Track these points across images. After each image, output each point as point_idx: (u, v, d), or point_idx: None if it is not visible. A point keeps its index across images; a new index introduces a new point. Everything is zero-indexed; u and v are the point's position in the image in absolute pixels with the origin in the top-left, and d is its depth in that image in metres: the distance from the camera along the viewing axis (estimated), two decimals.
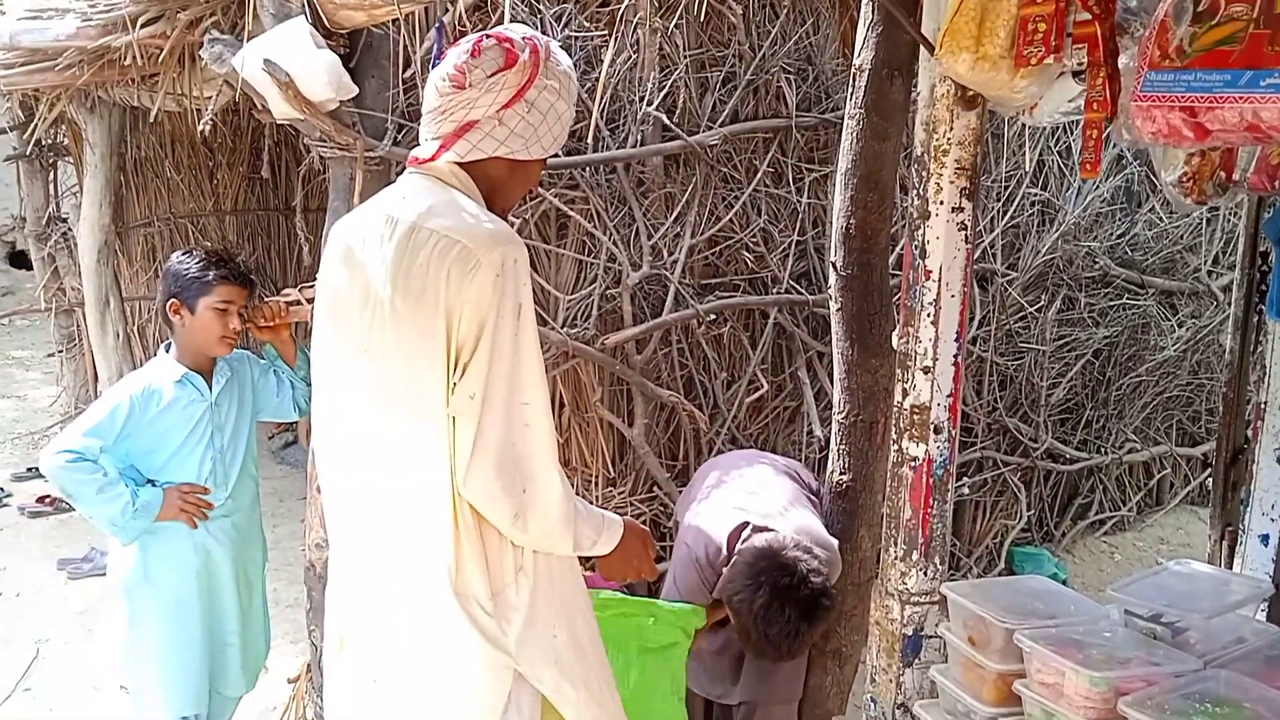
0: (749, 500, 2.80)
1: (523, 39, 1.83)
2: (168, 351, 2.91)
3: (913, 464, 1.89)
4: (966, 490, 4.75)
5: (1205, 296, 5.67)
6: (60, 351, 6.81)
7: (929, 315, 1.85)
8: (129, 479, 2.76)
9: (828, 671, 3.04)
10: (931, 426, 1.87)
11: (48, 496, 5.71)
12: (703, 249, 3.89)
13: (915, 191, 1.87)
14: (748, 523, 2.69)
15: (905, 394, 1.91)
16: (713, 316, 3.86)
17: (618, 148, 3.63)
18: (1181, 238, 5.42)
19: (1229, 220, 5.51)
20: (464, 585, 1.88)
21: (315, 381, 2.03)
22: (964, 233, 1.84)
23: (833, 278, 2.86)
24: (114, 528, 2.76)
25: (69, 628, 4.43)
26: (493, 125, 1.82)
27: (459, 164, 1.85)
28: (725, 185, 3.92)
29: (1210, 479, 5.84)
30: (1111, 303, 5.25)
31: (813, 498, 2.91)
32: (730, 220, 3.88)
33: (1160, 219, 5.30)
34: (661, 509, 3.89)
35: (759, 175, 3.92)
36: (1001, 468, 4.89)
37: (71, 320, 6.60)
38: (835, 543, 2.71)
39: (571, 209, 3.58)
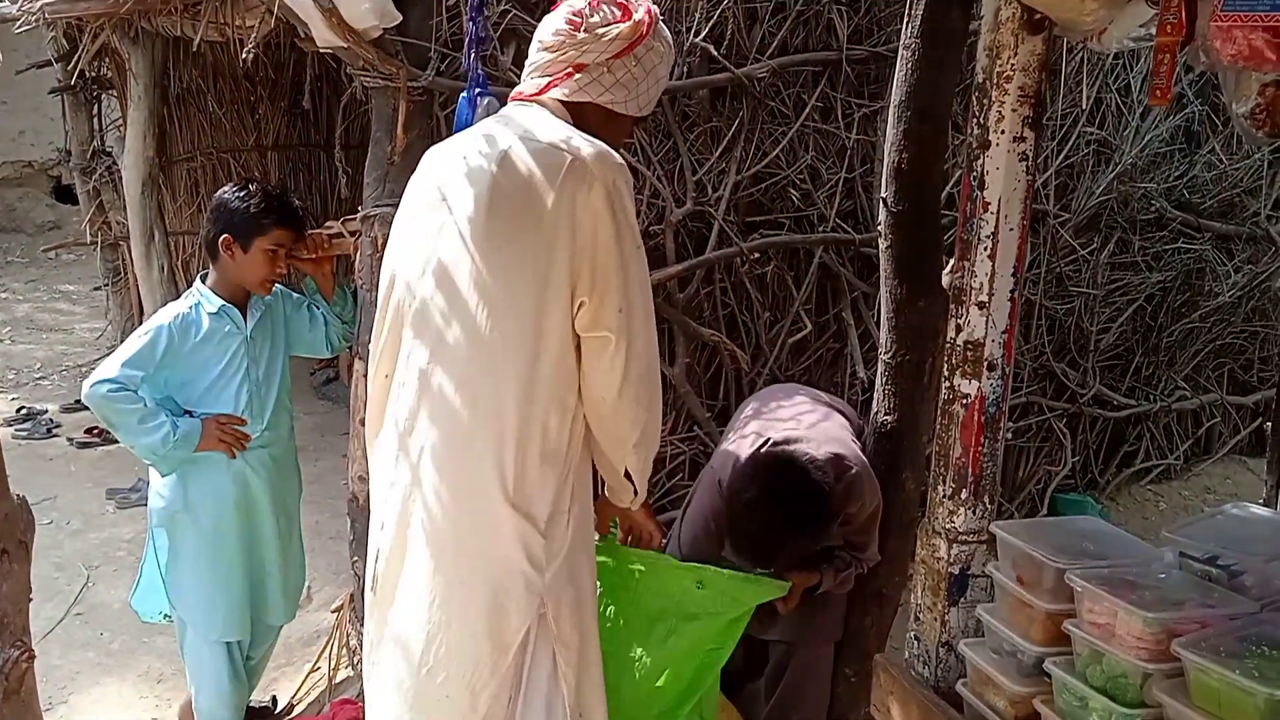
0: (776, 423, 2.79)
1: (635, 1, 1.95)
2: (204, 282, 2.91)
3: (964, 401, 1.85)
4: (1010, 435, 4.69)
5: (1263, 242, 5.49)
6: (106, 285, 6.90)
7: (986, 249, 1.79)
8: (167, 410, 2.78)
9: (868, 613, 3.02)
10: (985, 363, 1.82)
11: (95, 428, 5.80)
12: (748, 185, 3.82)
13: (975, 120, 1.80)
14: (769, 439, 2.68)
15: (959, 330, 1.87)
16: (757, 255, 3.81)
17: None
18: (1241, 180, 5.24)
19: None
20: (523, 501, 1.89)
21: (384, 304, 2.05)
22: (1025, 164, 1.78)
23: (883, 214, 2.80)
24: (154, 457, 2.79)
25: (118, 555, 4.54)
26: (601, 71, 1.91)
27: (562, 102, 1.94)
28: (772, 120, 3.83)
29: (1261, 428, 5.78)
30: (1166, 246, 5.10)
31: (851, 427, 2.86)
32: (777, 156, 3.80)
33: (1220, 160, 5.14)
34: (701, 449, 3.87)
35: (807, 110, 3.83)
36: (1047, 413, 4.82)
37: (117, 254, 6.66)
38: (864, 459, 2.68)
39: None
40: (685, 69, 3.56)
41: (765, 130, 3.81)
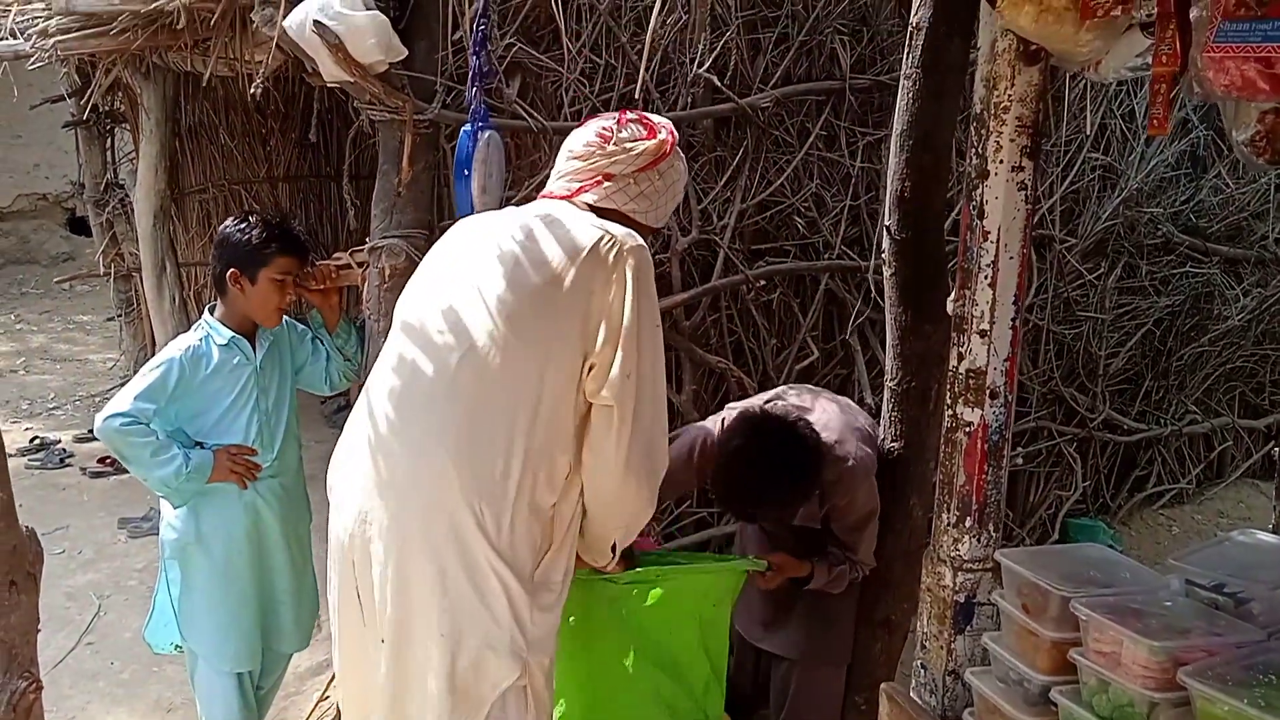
0: (795, 396, 2.84)
1: (657, 122, 2.15)
2: (212, 314, 2.92)
3: (967, 429, 1.86)
4: (1020, 460, 4.68)
5: (1272, 265, 5.49)
6: (119, 316, 6.94)
7: (986, 277, 1.80)
8: (179, 443, 2.79)
9: (877, 639, 3.01)
10: (987, 391, 1.83)
11: (108, 458, 5.82)
12: (753, 213, 3.84)
13: (974, 150, 1.82)
14: (779, 403, 2.74)
15: (960, 358, 1.87)
16: (763, 282, 3.82)
17: (667, 110, 3.58)
18: (1249, 204, 5.25)
19: None
20: (509, 550, 1.93)
21: (404, 335, 2.10)
22: (1024, 193, 1.79)
23: (886, 242, 2.81)
24: (167, 490, 2.80)
25: (130, 584, 4.55)
26: (627, 182, 2.08)
27: (590, 206, 2.09)
28: (777, 149, 3.86)
29: (1273, 451, 5.75)
30: (1174, 270, 5.10)
31: (872, 436, 2.86)
32: (782, 184, 3.82)
33: (1226, 184, 5.15)
34: None
35: (811, 138, 3.85)
36: (1057, 438, 4.81)
37: (129, 285, 6.71)
38: (870, 462, 2.69)
39: None
40: (690, 99, 3.59)
41: (770, 159, 3.83)
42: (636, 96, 3.03)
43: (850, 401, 3.03)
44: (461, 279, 2.05)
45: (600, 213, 2.09)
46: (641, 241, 2.01)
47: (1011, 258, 1.79)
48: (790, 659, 2.93)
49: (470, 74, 2.57)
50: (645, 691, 2.50)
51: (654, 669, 2.51)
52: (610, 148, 2.08)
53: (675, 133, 2.15)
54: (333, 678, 3.42)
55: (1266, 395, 5.81)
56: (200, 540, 2.89)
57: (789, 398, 2.85)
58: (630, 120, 2.13)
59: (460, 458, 1.93)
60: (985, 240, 1.79)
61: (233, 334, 2.87)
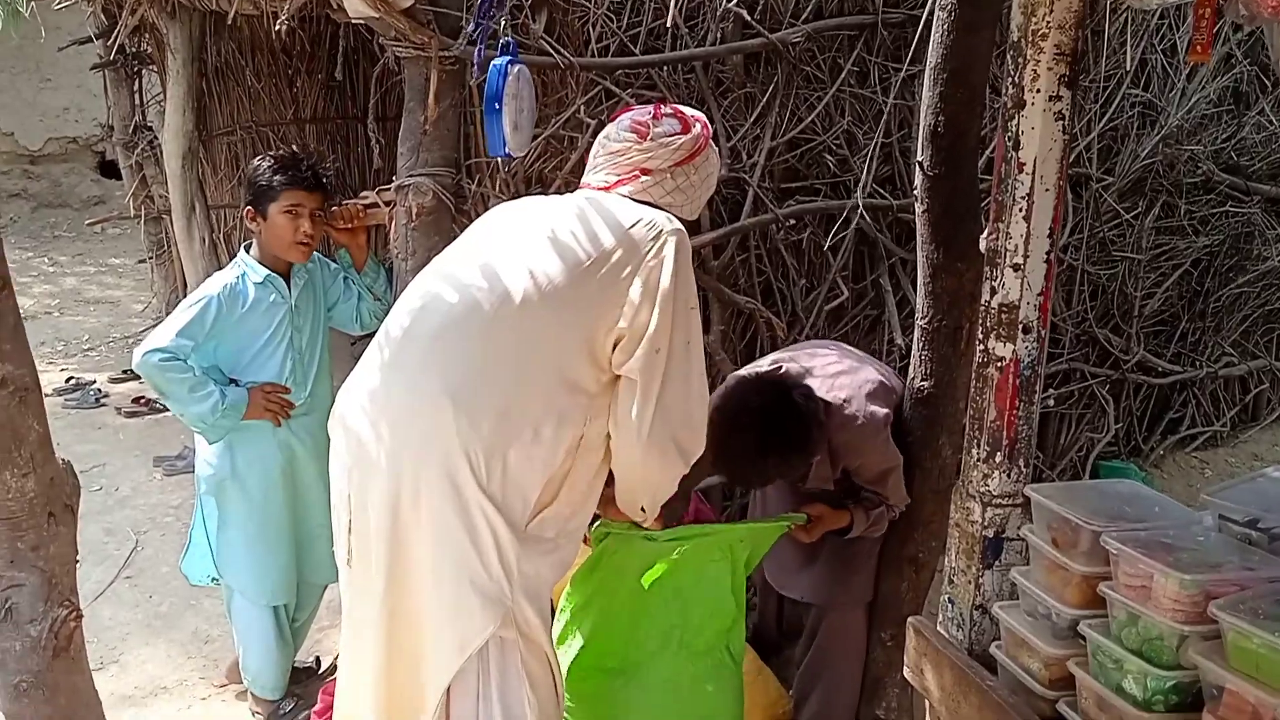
0: (797, 358, 2.80)
1: (691, 116, 2.17)
2: (248, 252, 2.95)
3: (999, 364, 1.83)
4: (1052, 402, 4.64)
5: None
6: (150, 258, 7.00)
7: (1021, 210, 1.77)
8: (214, 379, 2.83)
9: (903, 577, 3.01)
10: (1020, 326, 1.80)
11: (142, 398, 5.92)
12: (783, 151, 3.78)
13: (1009, 79, 1.77)
14: (779, 367, 2.69)
15: (993, 292, 1.84)
16: (792, 221, 3.78)
17: (696, 46, 3.53)
18: None
19: None
20: (499, 496, 1.93)
21: (433, 276, 2.10)
22: (1061, 123, 1.74)
23: (918, 177, 2.76)
24: (203, 425, 2.84)
25: (165, 520, 4.64)
26: (663, 176, 2.10)
27: (628, 198, 2.10)
28: (807, 85, 3.78)
29: None
30: (1214, 210, 4.99)
31: (886, 388, 2.82)
32: (812, 122, 3.76)
33: (1270, 122, 5.01)
34: None
35: (843, 75, 3.78)
36: (1090, 379, 4.76)
37: (160, 227, 6.76)
38: (881, 419, 2.65)
39: None
40: (720, 34, 3.53)
41: (800, 96, 3.76)
42: (667, 27, 2.97)
43: (866, 356, 3.00)
44: (501, 244, 2.06)
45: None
46: (680, 225, 2.03)
47: (1047, 190, 1.76)
48: (817, 604, 2.94)
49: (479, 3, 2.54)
50: (662, 627, 2.51)
51: (675, 606, 2.52)
52: (647, 143, 2.09)
53: (709, 125, 2.17)
54: None
55: None
56: (235, 476, 2.94)
57: (800, 359, 2.81)
58: (666, 114, 2.14)
59: (459, 397, 1.91)
60: (1020, 172, 1.75)
61: (268, 272, 2.90)
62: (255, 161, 2.94)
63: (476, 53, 2.52)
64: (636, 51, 3.38)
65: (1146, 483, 4.76)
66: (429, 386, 1.93)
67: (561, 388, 1.95)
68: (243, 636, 3.14)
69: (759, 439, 2.44)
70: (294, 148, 3.86)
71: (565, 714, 2.25)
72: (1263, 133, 5.02)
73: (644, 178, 2.10)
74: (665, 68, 3.47)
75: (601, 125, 3.52)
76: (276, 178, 2.86)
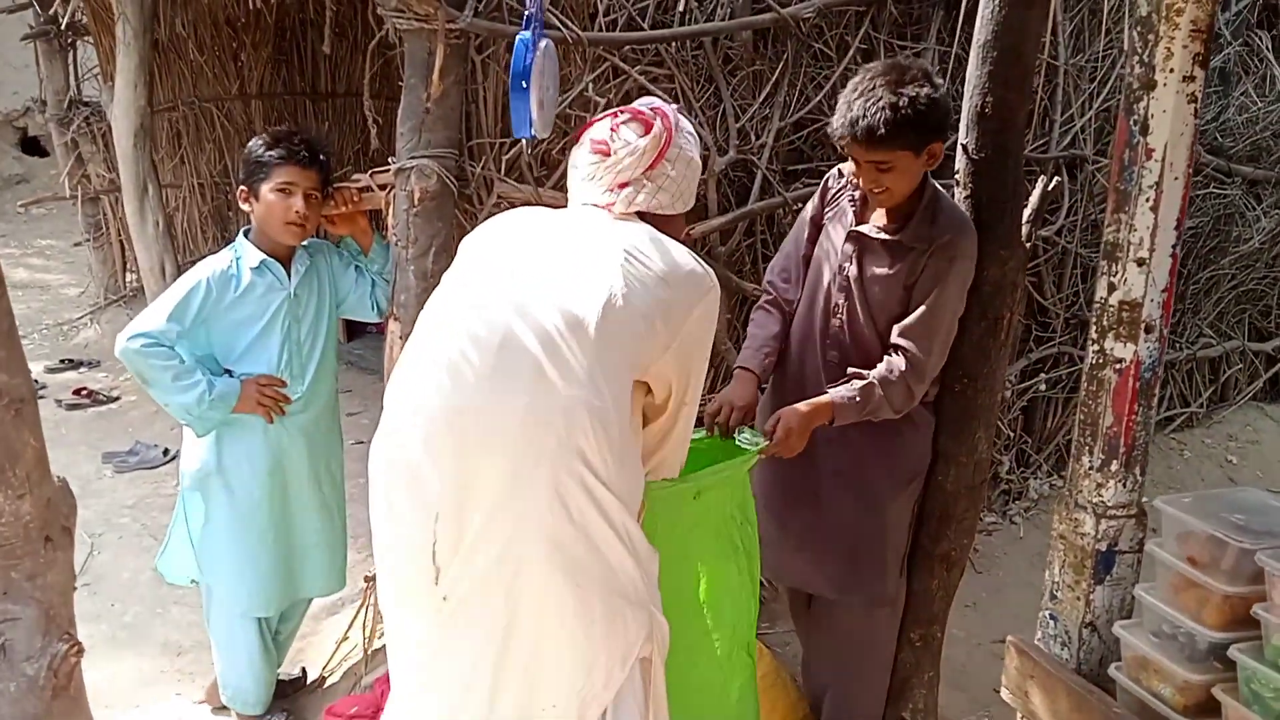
0: None
1: (650, 110, 2.07)
2: (246, 236, 2.76)
3: (1118, 366, 1.71)
4: (1043, 387, 4.60)
5: None
6: (87, 240, 6.63)
7: (1148, 200, 1.64)
8: (205, 368, 2.64)
9: (934, 575, 2.91)
10: (1142, 325, 1.68)
11: (84, 388, 5.63)
12: (789, 132, 3.64)
13: (1137, 58, 1.64)
14: None
15: (1112, 288, 1.71)
16: (799, 205, 3.64)
17: (705, 21, 3.35)
18: (1275, 122, 5.12)
19: None
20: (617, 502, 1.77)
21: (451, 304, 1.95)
22: (1194, 105, 1.62)
23: (961, 161, 2.65)
24: (189, 417, 2.67)
25: (121, 522, 4.38)
26: (641, 185, 2.03)
27: (624, 216, 2.04)
28: (815, 63, 3.64)
29: (1278, 374, 5.73)
30: (1197, 191, 4.98)
31: None
32: (820, 101, 3.62)
33: (1253, 102, 5.01)
34: None
35: (850, 52, 3.64)
36: (1078, 363, 4.72)
37: (97, 208, 6.41)
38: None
39: (655, 87, 3.33)
40: (729, 10, 3.36)
41: (808, 74, 3.62)
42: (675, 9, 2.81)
43: None
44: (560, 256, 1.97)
45: (631, 217, 2.05)
46: (713, 279, 2.01)
47: (1177, 178, 1.63)
48: (830, 598, 2.81)
49: None
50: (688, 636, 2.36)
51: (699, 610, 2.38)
52: (611, 159, 2.02)
53: (669, 113, 2.07)
54: (355, 615, 3.27)
55: (1274, 318, 5.77)
56: (221, 472, 2.78)
57: None
58: (623, 123, 2.05)
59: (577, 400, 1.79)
60: (1149, 159, 1.62)
61: (264, 256, 2.71)
62: (253, 140, 2.74)
63: (535, 31, 2.32)
64: (645, 26, 3.20)
65: None
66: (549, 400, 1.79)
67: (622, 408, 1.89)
68: (222, 648, 2.95)
69: (885, 101, 2.28)
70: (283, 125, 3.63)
71: None
72: (1245, 114, 5.02)
73: (625, 190, 2.03)
74: (673, 43, 3.29)
75: (609, 105, 3.36)
76: (269, 154, 2.68)
